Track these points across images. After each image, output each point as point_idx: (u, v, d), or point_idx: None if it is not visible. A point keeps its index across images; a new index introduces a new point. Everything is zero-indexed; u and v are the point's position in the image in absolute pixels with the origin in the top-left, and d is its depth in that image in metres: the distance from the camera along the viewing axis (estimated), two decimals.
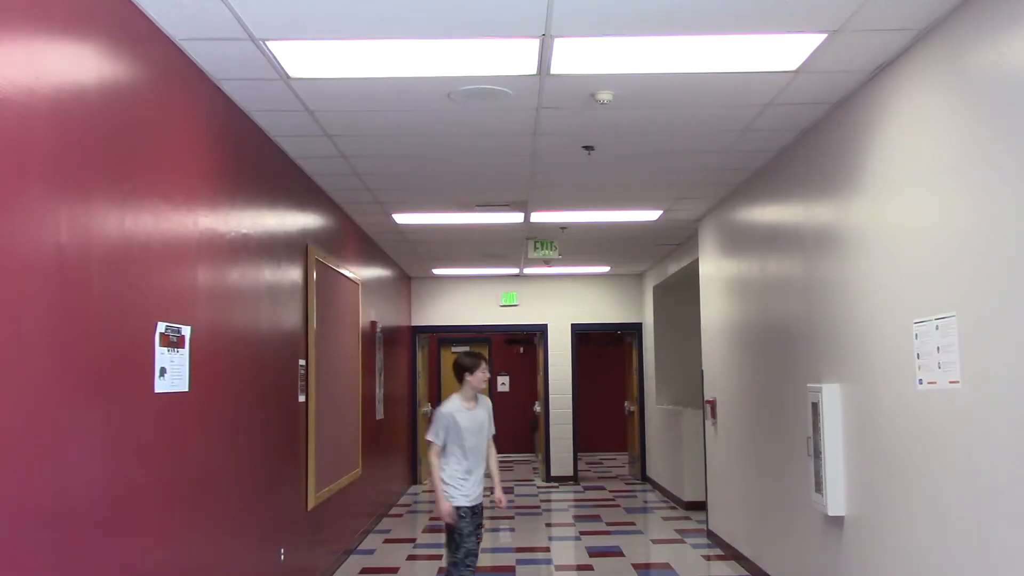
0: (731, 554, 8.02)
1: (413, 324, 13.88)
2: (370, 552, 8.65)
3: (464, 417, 5.67)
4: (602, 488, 13.41)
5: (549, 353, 14.01)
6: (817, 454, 5.50)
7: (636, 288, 14.09)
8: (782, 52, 4.49)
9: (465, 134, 5.88)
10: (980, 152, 3.78)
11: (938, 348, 4.10)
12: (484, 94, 5.02)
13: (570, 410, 13.99)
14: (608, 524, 10.17)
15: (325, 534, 7.37)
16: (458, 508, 5.66)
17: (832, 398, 5.39)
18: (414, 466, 13.76)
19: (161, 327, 3.97)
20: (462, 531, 5.66)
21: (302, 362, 6.56)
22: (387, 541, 9.25)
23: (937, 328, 4.10)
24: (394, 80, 4.79)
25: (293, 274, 6.42)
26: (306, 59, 4.49)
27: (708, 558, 8.21)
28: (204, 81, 4.65)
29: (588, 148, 6.21)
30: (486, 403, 5.84)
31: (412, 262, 12.20)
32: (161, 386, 3.96)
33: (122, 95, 3.68)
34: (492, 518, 10.81)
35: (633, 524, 10.19)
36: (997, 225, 3.64)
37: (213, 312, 4.67)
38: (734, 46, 4.39)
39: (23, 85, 2.93)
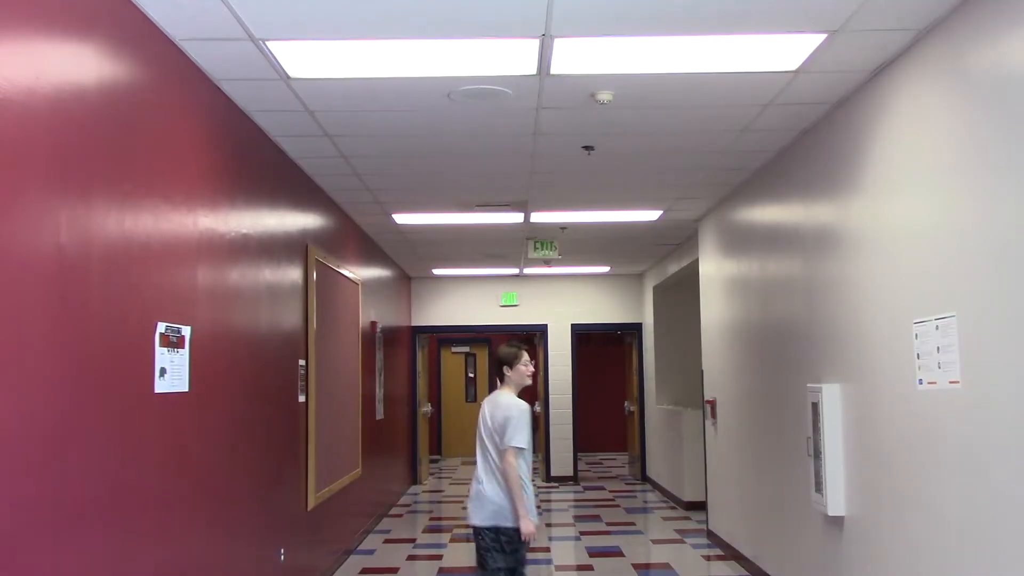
0: (731, 554, 8.02)
1: (413, 324, 13.88)
2: (370, 552, 8.65)
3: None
4: (602, 488, 13.41)
5: (549, 353, 14.01)
6: (817, 454, 5.50)
7: (636, 288, 14.09)
8: (782, 52, 4.49)
9: (465, 134, 5.88)
10: (980, 152, 3.78)
11: (938, 348, 4.10)
12: (484, 94, 5.02)
13: (570, 410, 13.99)
14: (608, 524, 10.17)
15: (325, 534, 7.37)
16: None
17: (832, 398, 5.39)
18: (414, 466, 13.76)
19: (161, 327, 3.97)
20: (520, 549, 4.90)
21: (302, 362, 6.56)
22: (387, 541, 9.25)
23: (937, 328, 4.10)
24: (394, 80, 4.78)
25: (293, 274, 6.42)
26: (306, 59, 4.49)
27: (708, 558, 8.21)
28: (204, 81, 4.65)
29: (588, 148, 6.21)
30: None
31: (412, 262, 12.20)
32: (161, 386, 3.96)
33: (122, 95, 3.68)
34: None
35: (633, 524, 10.19)
36: (997, 225, 3.64)
37: (213, 312, 4.67)
38: (734, 46, 4.39)
39: (23, 85, 2.93)
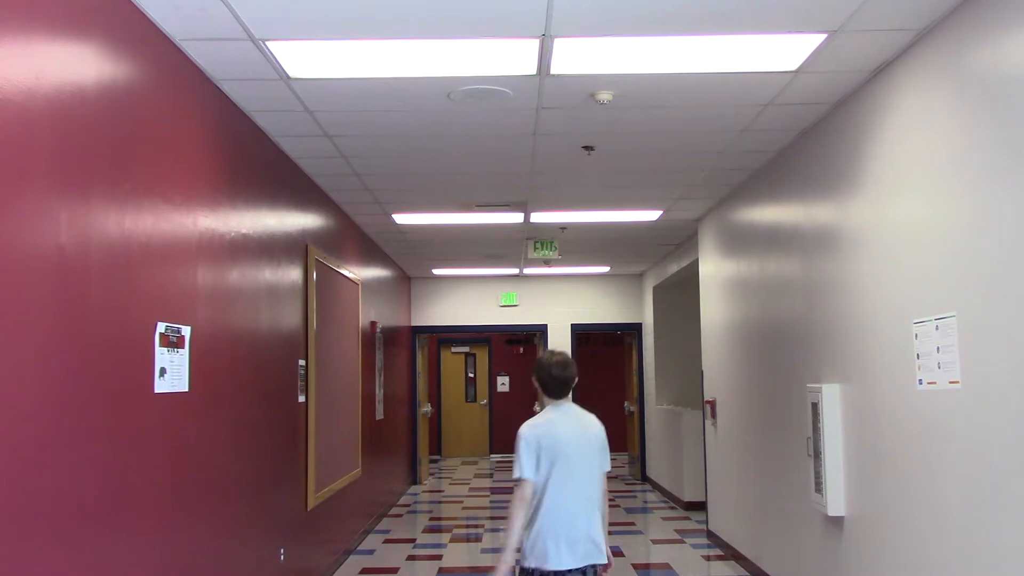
0: (731, 554, 8.02)
1: (413, 324, 13.88)
2: (370, 552, 8.65)
3: None
4: None
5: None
6: (817, 454, 5.50)
7: (636, 288, 14.08)
8: (782, 52, 4.49)
9: (465, 134, 5.88)
10: (980, 152, 3.78)
11: (938, 348, 4.10)
12: (484, 94, 5.02)
13: None
14: (608, 524, 10.16)
15: (325, 534, 7.37)
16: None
17: (832, 398, 5.39)
18: (414, 466, 13.76)
19: (161, 327, 3.97)
20: None
21: (302, 362, 6.56)
22: (387, 541, 9.25)
23: (937, 328, 4.10)
24: (394, 80, 4.78)
25: (293, 274, 6.42)
26: (306, 59, 4.49)
27: (708, 558, 8.21)
28: (204, 81, 4.65)
29: (588, 148, 6.20)
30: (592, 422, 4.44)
31: (412, 262, 12.20)
32: (161, 386, 3.96)
33: (122, 95, 3.68)
34: (492, 518, 10.81)
35: (633, 524, 10.18)
36: (997, 225, 3.64)
37: (213, 312, 4.67)
38: (734, 46, 4.39)
39: (23, 85, 2.93)
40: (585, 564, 4.08)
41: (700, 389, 9.42)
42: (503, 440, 18.34)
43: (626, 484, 13.95)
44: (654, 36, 4.24)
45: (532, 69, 4.64)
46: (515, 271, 13.21)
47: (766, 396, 6.93)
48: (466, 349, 18.89)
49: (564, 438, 4.17)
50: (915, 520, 4.40)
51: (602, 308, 14.07)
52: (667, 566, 7.95)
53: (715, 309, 8.64)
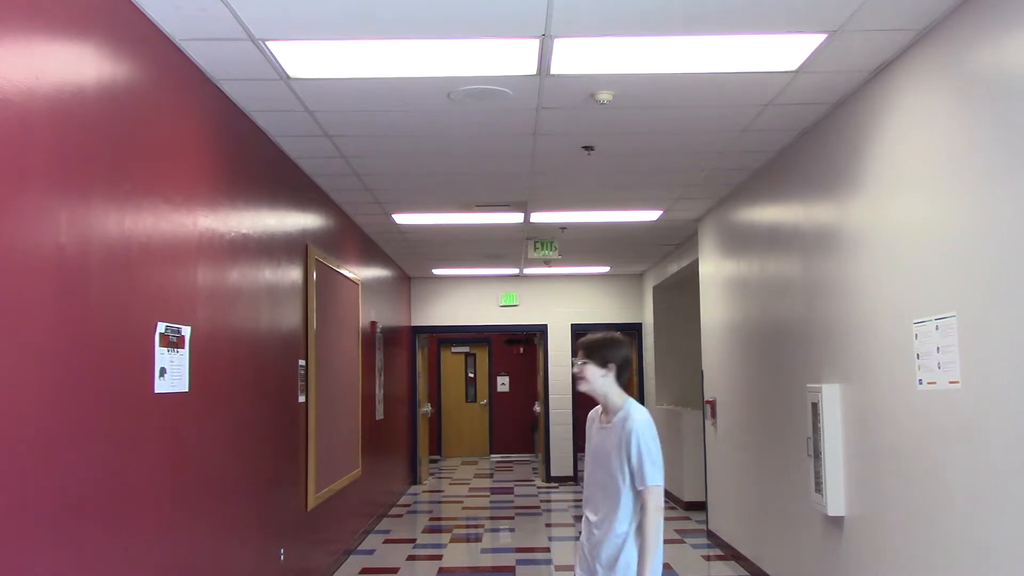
0: (731, 554, 8.02)
1: (413, 324, 13.88)
2: (370, 552, 8.65)
3: (595, 432, 3.78)
4: None
5: (549, 353, 14.01)
6: (817, 454, 5.50)
7: (636, 288, 14.08)
8: (782, 52, 4.49)
9: (465, 134, 5.88)
10: (980, 152, 3.78)
11: (938, 348, 4.10)
12: (484, 94, 5.02)
13: (570, 410, 13.99)
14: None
15: (325, 534, 7.37)
16: None
17: (832, 398, 5.39)
18: (414, 466, 13.76)
19: (161, 327, 3.97)
20: None
21: (302, 362, 6.56)
22: (387, 541, 9.25)
23: (937, 328, 4.10)
24: (394, 80, 4.78)
25: (293, 274, 6.42)
26: (306, 59, 4.49)
27: (708, 558, 8.21)
28: (204, 81, 4.65)
29: (588, 148, 6.20)
30: (626, 425, 3.59)
31: (412, 262, 12.20)
32: (161, 386, 3.96)
33: (122, 95, 3.68)
34: (492, 518, 10.82)
35: None
36: (997, 225, 3.64)
37: (213, 312, 4.67)
38: (734, 46, 4.39)
39: (23, 85, 2.93)
40: None
41: (700, 389, 9.42)
42: (503, 440, 18.34)
43: None
44: (654, 36, 4.24)
45: (532, 69, 4.64)
46: (515, 271, 13.21)
47: (766, 396, 6.93)
48: (466, 349, 18.88)
49: None
50: (915, 520, 4.40)
51: (602, 308, 14.07)
52: (667, 566, 7.94)
53: (715, 309, 8.64)
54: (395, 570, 7.91)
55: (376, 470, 10.16)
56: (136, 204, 3.76)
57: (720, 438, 8.52)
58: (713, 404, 8.69)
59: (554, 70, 4.65)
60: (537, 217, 8.78)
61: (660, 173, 7.10)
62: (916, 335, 4.31)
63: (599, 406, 3.77)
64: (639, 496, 3.53)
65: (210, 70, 4.60)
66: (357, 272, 8.97)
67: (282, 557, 5.99)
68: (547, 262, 11.74)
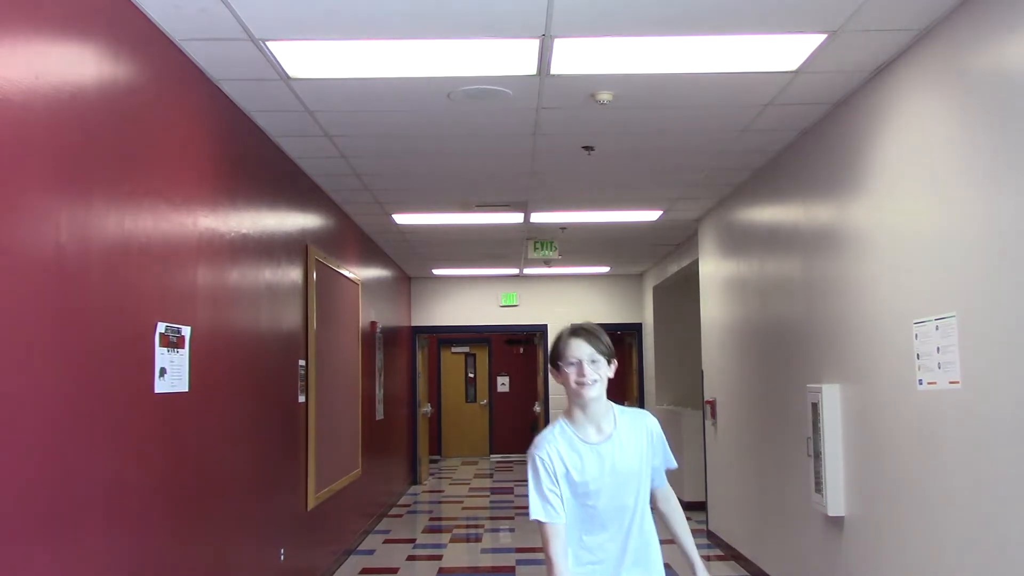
0: (731, 554, 8.02)
1: (413, 324, 13.88)
2: (370, 552, 8.64)
3: (584, 457, 2.92)
4: None
5: (549, 353, 14.00)
6: (817, 454, 5.50)
7: (636, 288, 14.08)
8: (782, 52, 4.49)
9: (465, 134, 5.88)
10: (980, 152, 3.78)
11: (938, 348, 4.10)
12: (484, 94, 5.02)
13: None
14: None
15: (325, 534, 7.37)
16: None
17: (832, 398, 5.39)
18: (414, 466, 13.76)
19: (161, 327, 3.97)
20: None
21: (302, 362, 6.55)
22: (387, 541, 9.25)
23: (937, 328, 4.10)
24: (394, 80, 4.78)
25: (293, 274, 6.42)
26: (306, 59, 4.49)
27: (708, 558, 8.21)
28: (204, 81, 4.65)
29: (588, 148, 6.20)
30: (639, 422, 3.06)
31: (412, 262, 12.19)
32: (161, 386, 3.96)
33: (122, 95, 3.68)
34: (492, 518, 10.81)
35: None
36: (997, 225, 3.64)
37: (213, 312, 4.67)
38: (734, 46, 4.39)
39: (23, 85, 2.93)
40: None
41: (700, 389, 9.42)
42: (503, 440, 18.34)
43: None
44: (654, 36, 4.24)
45: (532, 69, 4.64)
46: (515, 271, 13.21)
47: (766, 396, 6.93)
48: (466, 349, 18.88)
49: None
50: (915, 520, 4.40)
51: (602, 308, 14.06)
52: (667, 566, 7.94)
53: (715, 309, 8.63)
54: (395, 570, 7.91)
55: (376, 470, 10.16)
56: (136, 204, 3.76)
57: (720, 438, 8.52)
58: (713, 404, 8.69)
59: (554, 70, 4.65)
60: (537, 217, 8.78)
61: (660, 173, 7.10)
62: (916, 335, 4.31)
63: (557, 427, 3.01)
64: (662, 490, 3.18)
65: (210, 70, 4.60)
66: (357, 272, 8.97)
67: (282, 557, 5.99)
68: (547, 262, 11.74)
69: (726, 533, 8.28)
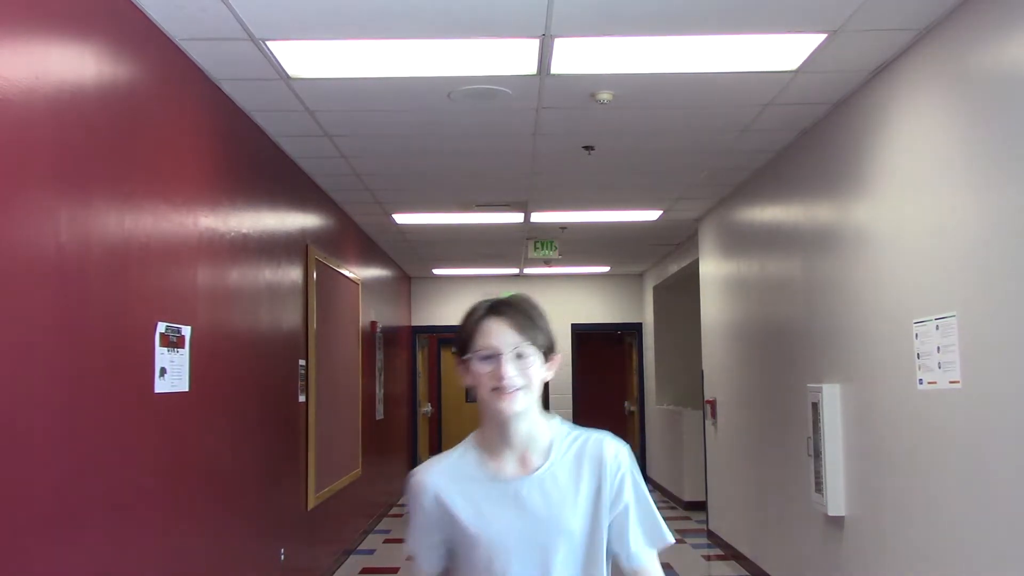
0: (731, 554, 8.02)
1: (413, 324, 13.88)
2: (370, 552, 8.64)
3: (486, 500, 1.96)
4: None
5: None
6: (817, 454, 5.50)
7: (636, 288, 14.08)
8: (782, 52, 4.49)
9: (465, 134, 5.88)
10: (980, 152, 3.78)
11: (938, 348, 4.10)
12: (484, 94, 5.02)
13: (570, 410, 13.98)
14: None
15: (325, 534, 7.37)
16: None
17: (832, 398, 5.39)
18: (414, 466, 13.71)
19: (161, 327, 3.97)
20: None
21: (302, 362, 6.56)
22: (387, 541, 9.25)
23: (937, 328, 4.10)
24: (394, 80, 4.78)
25: (293, 274, 6.42)
26: (306, 59, 4.49)
27: (708, 558, 8.21)
28: (204, 81, 4.65)
29: (588, 148, 6.20)
30: (593, 451, 1.97)
31: (412, 262, 12.19)
32: (161, 386, 3.96)
33: (122, 95, 3.68)
34: None
35: None
36: (997, 225, 3.64)
37: (213, 312, 4.67)
38: (734, 46, 4.39)
39: (23, 85, 2.93)
40: None
41: (700, 389, 9.42)
42: None
43: None
44: (654, 36, 4.24)
45: (532, 69, 4.64)
46: (515, 271, 13.21)
47: (766, 396, 6.93)
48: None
49: None
50: (915, 520, 4.40)
51: (602, 308, 14.07)
52: (667, 566, 7.93)
53: (715, 309, 8.63)
54: (395, 570, 7.91)
55: (376, 470, 10.16)
56: (136, 204, 3.76)
57: (720, 438, 8.52)
58: (713, 404, 8.69)
59: (554, 70, 4.65)
60: (537, 217, 8.78)
61: (660, 173, 7.10)
62: (916, 335, 4.31)
63: (457, 451, 2.04)
64: (635, 569, 1.95)
65: (210, 70, 4.60)
66: (357, 272, 8.97)
67: (282, 557, 5.99)
68: (547, 262, 11.74)
69: (726, 533, 8.28)
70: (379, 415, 10.43)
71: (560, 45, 4.32)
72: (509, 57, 4.49)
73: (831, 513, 5.34)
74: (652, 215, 8.91)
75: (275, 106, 5.21)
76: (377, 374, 10.35)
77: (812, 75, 4.80)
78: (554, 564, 1.89)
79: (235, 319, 5.07)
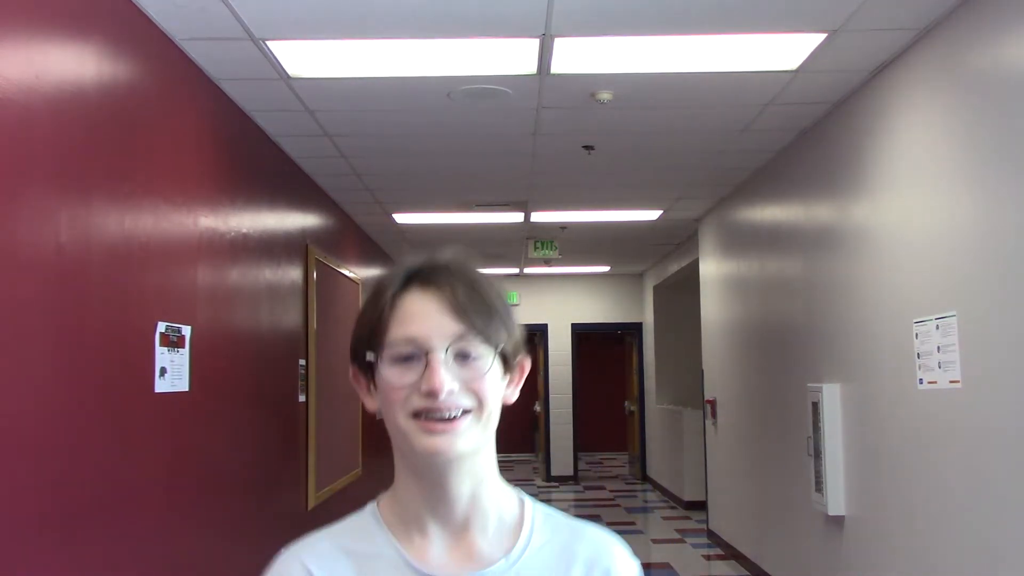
0: (731, 554, 8.02)
1: None
2: None
3: None
4: (602, 488, 13.41)
5: (549, 353, 14.01)
6: (817, 454, 5.50)
7: (636, 288, 14.08)
8: (782, 52, 4.49)
9: (465, 134, 5.88)
10: (980, 151, 3.78)
11: (938, 348, 4.10)
12: (484, 94, 5.02)
13: (570, 410, 14.00)
14: (608, 524, 10.16)
15: None
16: None
17: (832, 398, 5.39)
18: None
19: (161, 327, 3.97)
20: None
21: (302, 362, 6.56)
22: None
23: (937, 328, 4.10)
24: (394, 80, 4.78)
25: (293, 274, 6.42)
26: (306, 59, 4.49)
27: (708, 558, 8.21)
28: (204, 81, 4.65)
29: (588, 148, 6.20)
30: (578, 553, 1.26)
31: None
32: (161, 386, 3.96)
33: (122, 95, 3.68)
34: None
35: (633, 524, 10.18)
36: (997, 225, 3.64)
37: (213, 312, 4.67)
38: (734, 46, 4.39)
39: (23, 85, 2.93)
40: None
41: (700, 389, 9.42)
42: (504, 439, 18.13)
43: (626, 484, 13.95)
44: (654, 36, 4.24)
45: (532, 69, 4.64)
46: (515, 271, 13.21)
47: (766, 396, 6.93)
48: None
49: None
50: (915, 520, 4.40)
51: (602, 308, 14.07)
52: (667, 566, 7.95)
53: (715, 309, 8.64)
54: None
55: (377, 470, 10.15)
56: (136, 204, 3.76)
57: (720, 438, 8.52)
58: (713, 404, 8.69)
59: (554, 69, 4.65)
60: (537, 217, 8.79)
61: (660, 173, 7.10)
62: (916, 335, 4.31)
63: (351, 520, 1.42)
64: None
65: (210, 70, 4.60)
66: (357, 272, 8.97)
67: None
68: (547, 262, 11.74)
69: (726, 533, 8.28)
70: (380, 415, 10.42)
71: (560, 45, 4.32)
72: (509, 57, 4.49)
73: (831, 513, 5.34)
74: (652, 215, 8.91)
75: (275, 106, 5.21)
76: None
77: (812, 75, 4.80)
78: None
79: (235, 319, 5.07)
